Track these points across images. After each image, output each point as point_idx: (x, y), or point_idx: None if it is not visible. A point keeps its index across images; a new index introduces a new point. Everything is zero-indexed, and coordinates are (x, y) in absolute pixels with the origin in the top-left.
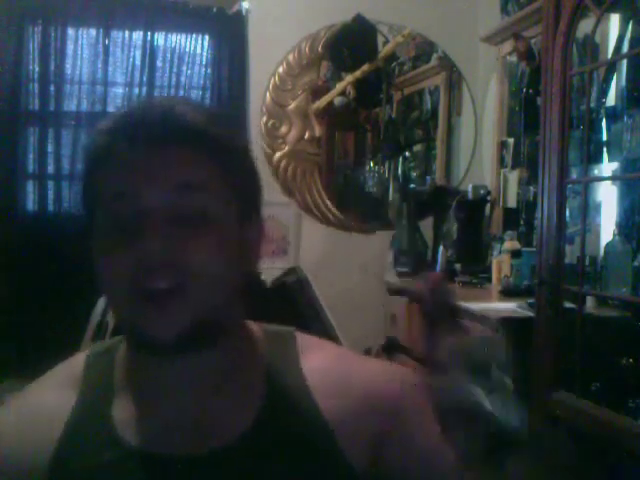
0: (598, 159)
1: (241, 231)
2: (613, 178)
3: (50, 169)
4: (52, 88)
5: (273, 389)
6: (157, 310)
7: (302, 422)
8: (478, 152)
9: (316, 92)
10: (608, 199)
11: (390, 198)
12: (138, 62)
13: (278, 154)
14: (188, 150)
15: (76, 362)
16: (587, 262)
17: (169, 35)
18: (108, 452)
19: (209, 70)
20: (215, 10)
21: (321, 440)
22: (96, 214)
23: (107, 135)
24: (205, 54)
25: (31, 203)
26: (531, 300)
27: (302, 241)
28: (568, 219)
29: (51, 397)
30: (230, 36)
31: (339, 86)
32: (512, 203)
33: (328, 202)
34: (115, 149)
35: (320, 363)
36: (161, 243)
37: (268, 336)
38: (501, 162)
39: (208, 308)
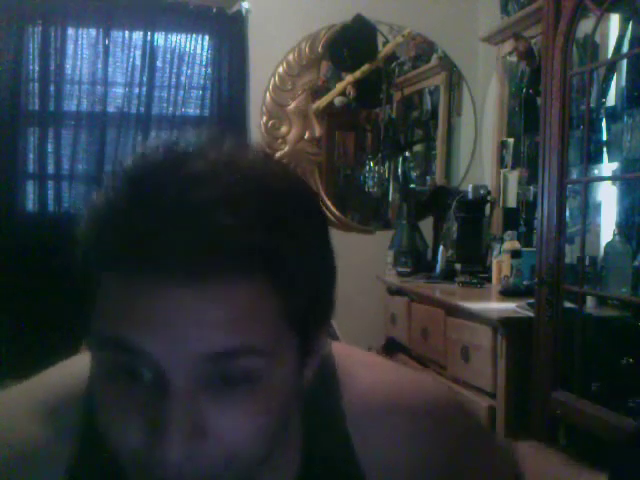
0: (598, 159)
1: (301, 367)
2: (613, 178)
3: (50, 169)
4: (52, 88)
5: (311, 447)
6: None
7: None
8: (478, 152)
9: (316, 92)
10: (608, 199)
11: (390, 198)
12: (138, 62)
13: (278, 154)
14: (237, 288)
15: (74, 377)
16: (587, 262)
17: (169, 35)
18: None
19: (209, 70)
20: (215, 10)
21: None
22: (89, 339)
23: (110, 245)
24: (205, 54)
25: (31, 203)
26: (531, 300)
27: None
28: (568, 219)
29: (46, 441)
30: (230, 36)
31: (339, 86)
32: (512, 203)
33: (328, 202)
34: (120, 262)
35: (363, 394)
36: (182, 429)
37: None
38: (501, 162)
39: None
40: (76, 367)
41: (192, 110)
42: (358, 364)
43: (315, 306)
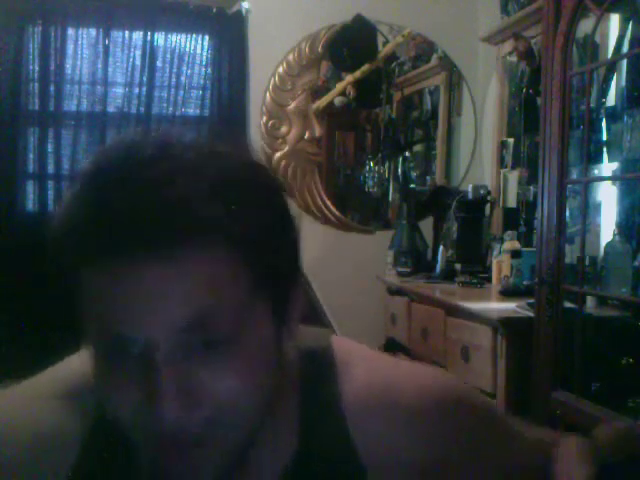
0: (598, 159)
1: (279, 333)
2: (613, 178)
3: (50, 169)
4: (52, 88)
5: (309, 428)
6: (178, 454)
7: (337, 468)
8: (478, 152)
9: (316, 92)
10: (608, 199)
11: (390, 198)
12: (138, 62)
13: (278, 154)
14: (207, 260)
15: (76, 370)
16: (587, 262)
17: (169, 35)
18: None
19: (209, 70)
20: (215, 10)
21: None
22: (81, 321)
23: (80, 226)
24: (205, 54)
25: (31, 203)
26: (531, 300)
27: (302, 241)
28: (568, 219)
29: (58, 421)
30: (230, 36)
31: (339, 86)
32: (512, 203)
33: (328, 202)
34: (92, 256)
35: (361, 387)
36: (173, 389)
37: (303, 358)
38: (501, 162)
39: (242, 438)
40: (73, 363)
41: (192, 110)
42: (357, 356)
43: (279, 272)
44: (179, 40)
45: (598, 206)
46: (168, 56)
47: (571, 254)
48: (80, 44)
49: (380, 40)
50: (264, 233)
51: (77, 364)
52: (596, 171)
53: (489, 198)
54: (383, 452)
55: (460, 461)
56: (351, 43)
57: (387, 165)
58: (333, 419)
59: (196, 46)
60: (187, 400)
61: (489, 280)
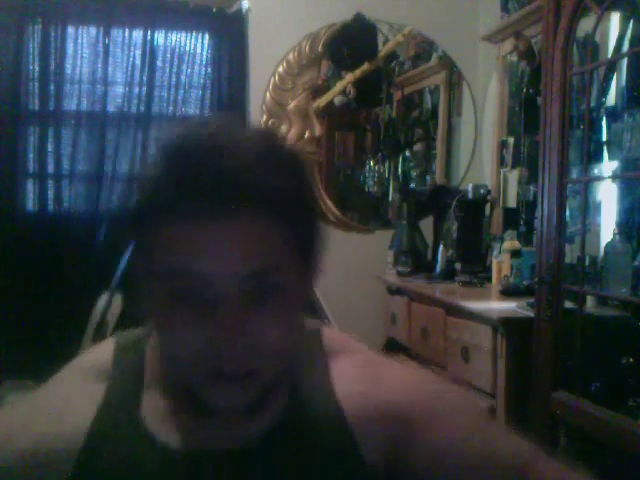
0: (598, 158)
1: (307, 294)
2: (613, 178)
3: (50, 169)
4: (52, 87)
5: (297, 391)
6: (226, 388)
7: (325, 425)
8: (478, 152)
9: (316, 91)
10: (608, 198)
11: (390, 198)
12: (138, 61)
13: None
14: (266, 222)
15: (103, 353)
16: (587, 262)
17: (169, 34)
18: (136, 447)
19: (209, 69)
20: (215, 9)
21: (343, 445)
22: (150, 278)
23: (165, 188)
24: (205, 53)
25: (31, 203)
26: (531, 300)
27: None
28: (568, 219)
29: (80, 389)
30: (230, 35)
31: (339, 85)
32: (512, 203)
33: (328, 202)
34: (175, 211)
35: (348, 369)
36: (235, 329)
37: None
38: (501, 162)
39: (276, 378)
40: (100, 352)
41: (192, 109)
42: (347, 345)
43: (308, 237)
44: (179, 39)
45: (598, 206)
46: (168, 55)
47: (571, 254)
48: (80, 43)
49: (380, 39)
50: (303, 205)
51: (104, 349)
52: (596, 170)
53: (489, 198)
54: (363, 422)
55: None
56: (351, 42)
57: (387, 165)
58: (322, 386)
59: (196, 45)
60: (244, 339)
61: (489, 280)
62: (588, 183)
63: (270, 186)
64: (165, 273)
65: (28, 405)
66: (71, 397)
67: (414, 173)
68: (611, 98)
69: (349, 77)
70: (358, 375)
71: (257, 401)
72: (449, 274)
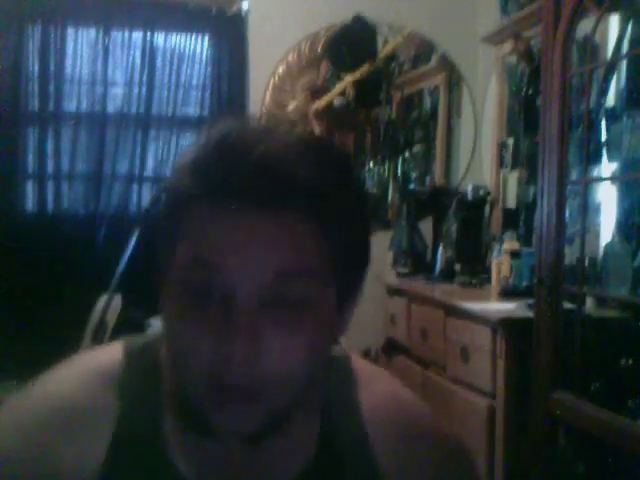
0: (598, 159)
1: (337, 316)
2: (613, 178)
3: (50, 169)
4: (52, 88)
5: (329, 431)
6: (230, 407)
7: (355, 462)
8: (478, 152)
9: (316, 92)
10: (608, 199)
11: (389, 198)
12: (138, 62)
13: None
14: (299, 223)
15: (111, 357)
16: (587, 263)
17: (169, 35)
18: (159, 477)
19: (209, 70)
20: (215, 10)
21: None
22: (171, 268)
23: (200, 180)
24: (205, 54)
25: (31, 203)
26: (531, 301)
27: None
28: (568, 219)
29: (94, 396)
30: (230, 36)
31: (339, 86)
32: (512, 203)
33: None
34: (208, 204)
35: (376, 399)
36: (250, 339)
37: (327, 366)
38: (501, 162)
39: (287, 403)
40: (107, 355)
41: (192, 110)
42: (379, 375)
43: (352, 254)
44: (179, 40)
45: (598, 206)
46: (168, 56)
47: (571, 254)
48: (80, 44)
49: (380, 40)
50: (351, 215)
51: (112, 353)
52: (596, 171)
53: (488, 198)
54: (397, 462)
55: None
56: (351, 43)
57: (387, 165)
58: (354, 424)
59: (196, 46)
60: (256, 351)
61: (488, 281)
62: (588, 184)
63: (314, 187)
64: (187, 261)
65: (28, 414)
66: (88, 409)
67: (413, 174)
68: (610, 99)
69: (349, 78)
70: (386, 403)
71: (267, 429)
72: (448, 275)
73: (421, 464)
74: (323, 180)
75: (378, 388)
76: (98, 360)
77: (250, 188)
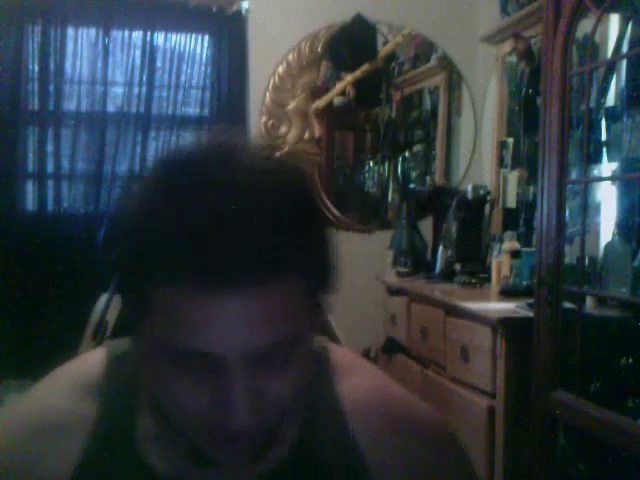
0: (598, 159)
1: (313, 332)
2: (613, 178)
3: (50, 169)
4: (52, 88)
5: (309, 418)
6: (232, 446)
7: (338, 455)
8: (478, 152)
9: (316, 92)
10: (608, 199)
11: (390, 198)
12: (138, 62)
13: (277, 154)
14: (275, 293)
15: (93, 365)
16: (587, 262)
17: (169, 35)
18: (132, 477)
19: (209, 70)
20: (215, 10)
21: (354, 471)
22: (145, 333)
23: (165, 263)
24: (205, 54)
25: (31, 203)
26: (530, 300)
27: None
28: (568, 219)
29: (70, 406)
30: (230, 36)
31: (339, 86)
32: (512, 203)
33: (328, 202)
34: (179, 288)
35: (357, 391)
36: (245, 390)
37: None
38: (501, 162)
39: (281, 421)
40: (89, 363)
41: (192, 110)
42: (359, 366)
43: (323, 282)
44: (179, 40)
45: (598, 206)
46: (168, 56)
47: (571, 254)
48: (80, 44)
49: (380, 40)
50: (321, 260)
51: (94, 360)
52: (596, 171)
53: (489, 198)
54: (383, 455)
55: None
56: (351, 43)
57: (387, 165)
58: (333, 417)
59: (196, 46)
60: (255, 404)
61: (488, 280)
62: (588, 184)
63: (290, 246)
64: (167, 340)
65: (11, 423)
66: (63, 415)
67: (414, 173)
68: (610, 99)
69: (349, 78)
70: (367, 395)
71: (264, 448)
72: (448, 274)
73: (408, 453)
74: (289, 238)
75: (358, 379)
76: (78, 369)
77: (221, 272)
